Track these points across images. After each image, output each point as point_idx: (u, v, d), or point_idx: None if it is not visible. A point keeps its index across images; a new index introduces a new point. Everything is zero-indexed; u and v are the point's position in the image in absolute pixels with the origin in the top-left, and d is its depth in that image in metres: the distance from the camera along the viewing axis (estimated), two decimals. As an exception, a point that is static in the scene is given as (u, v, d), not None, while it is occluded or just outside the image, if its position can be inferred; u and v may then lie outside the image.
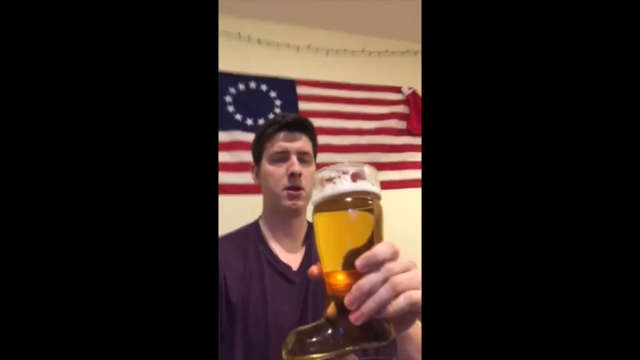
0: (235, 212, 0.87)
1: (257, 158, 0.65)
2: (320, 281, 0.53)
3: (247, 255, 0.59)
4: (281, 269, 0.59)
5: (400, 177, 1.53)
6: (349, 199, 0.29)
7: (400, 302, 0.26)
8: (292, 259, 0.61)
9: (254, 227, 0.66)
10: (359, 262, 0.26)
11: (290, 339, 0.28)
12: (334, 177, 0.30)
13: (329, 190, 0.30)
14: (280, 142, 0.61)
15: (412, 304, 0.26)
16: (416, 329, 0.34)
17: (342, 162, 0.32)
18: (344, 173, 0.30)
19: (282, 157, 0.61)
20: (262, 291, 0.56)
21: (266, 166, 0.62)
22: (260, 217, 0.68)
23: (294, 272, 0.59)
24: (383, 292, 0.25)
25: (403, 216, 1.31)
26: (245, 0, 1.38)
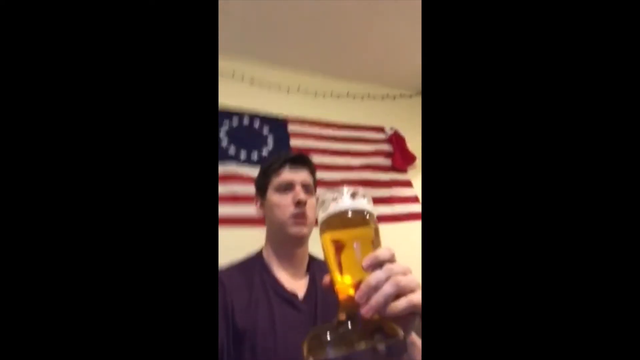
0: (228, 244, 0.87)
1: (262, 190, 0.68)
2: (328, 308, 0.55)
3: (253, 284, 0.60)
4: (288, 297, 0.59)
5: (390, 211, 1.56)
6: (349, 215, 0.34)
7: (402, 303, 0.29)
8: (297, 287, 0.62)
9: (258, 257, 0.67)
10: (364, 262, 0.31)
11: (308, 340, 0.30)
12: (336, 197, 0.36)
13: (332, 208, 0.35)
14: (286, 174, 0.65)
15: (413, 306, 0.29)
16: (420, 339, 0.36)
17: (341, 186, 0.38)
18: (343, 193, 0.36)
19: (288, 187, 0.65)
20: (270, 320, 0.55)
21: (272, 196, 0.65)
22: (262, 248, 0.69)
23: (301, 300, 0.60)
24: (387, 287, 0.29)
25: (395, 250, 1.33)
26: (239, 41, 1.50)
